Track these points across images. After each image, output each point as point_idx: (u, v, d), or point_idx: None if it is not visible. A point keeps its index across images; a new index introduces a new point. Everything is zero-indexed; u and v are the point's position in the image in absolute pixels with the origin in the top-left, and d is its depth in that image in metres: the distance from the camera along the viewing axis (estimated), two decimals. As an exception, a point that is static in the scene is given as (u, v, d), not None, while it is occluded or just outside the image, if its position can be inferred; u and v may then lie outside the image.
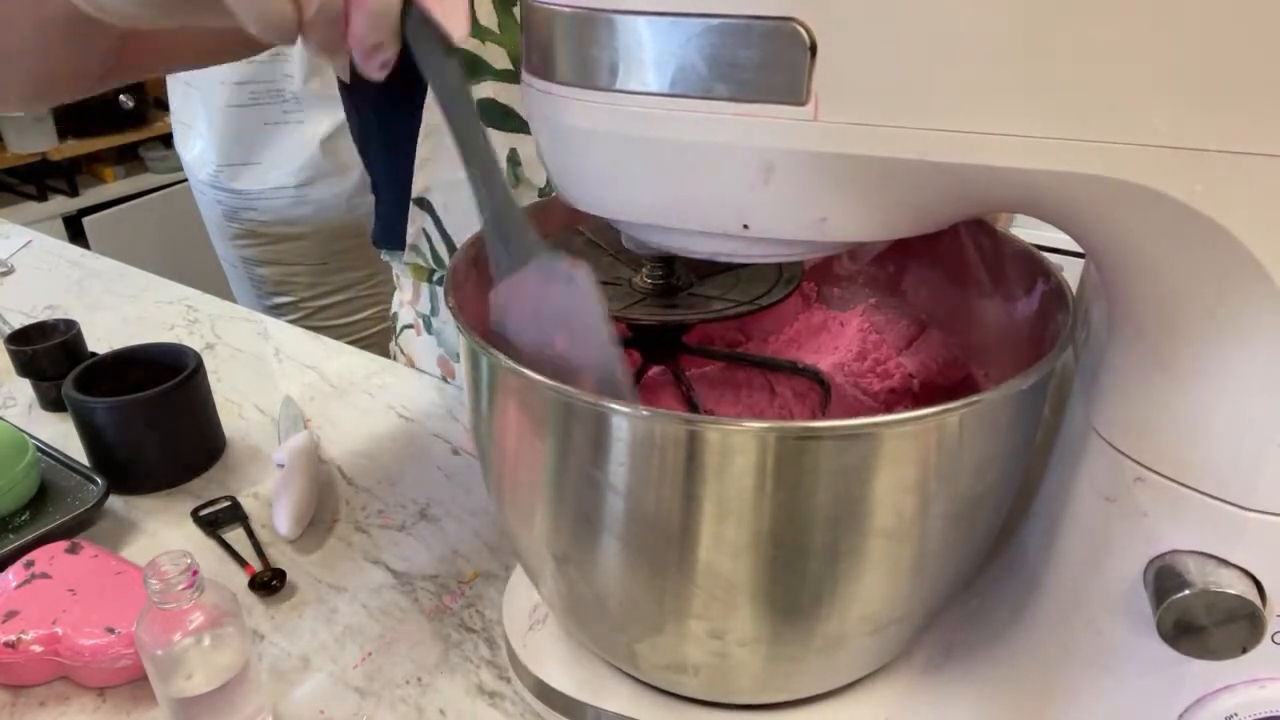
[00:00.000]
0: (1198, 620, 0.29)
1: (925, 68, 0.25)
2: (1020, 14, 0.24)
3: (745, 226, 0.30)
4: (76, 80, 0.50)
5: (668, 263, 0.42)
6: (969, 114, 0.25)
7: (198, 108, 1.17)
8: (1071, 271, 0.39)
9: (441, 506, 0.61)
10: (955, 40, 0.24)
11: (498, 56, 0.59)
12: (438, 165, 0.65)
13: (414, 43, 0.32)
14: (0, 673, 0.47)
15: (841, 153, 0.27)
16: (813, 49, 0.25)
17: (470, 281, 0.41)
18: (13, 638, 0.46)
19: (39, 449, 0.63)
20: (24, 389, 0.76)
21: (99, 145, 2.20)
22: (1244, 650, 0.29)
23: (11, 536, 0.56)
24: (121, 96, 2.17)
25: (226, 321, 0.91)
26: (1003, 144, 0.25)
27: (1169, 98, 0.24)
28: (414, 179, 0.66)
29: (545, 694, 0.44)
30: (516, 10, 0.58)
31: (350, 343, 0.90)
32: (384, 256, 0.79)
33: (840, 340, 0.51)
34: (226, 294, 1.15)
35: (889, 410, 0.47)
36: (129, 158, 2.35)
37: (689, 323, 0.43)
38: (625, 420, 0.31)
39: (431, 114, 0.62)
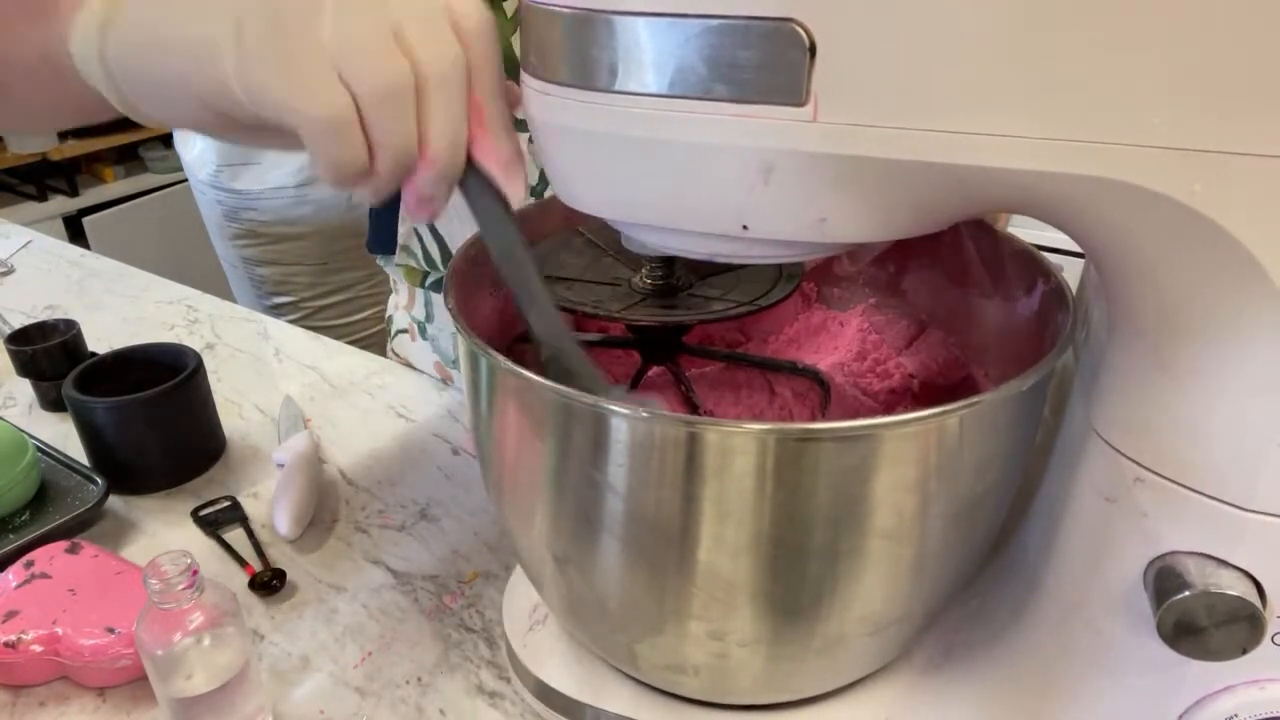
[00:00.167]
0: (1198, 621, 0.29)
1: (925, 68, 0.25)
2: (1020, 14, 0.24)
3: (745, 227, 0.30)
4: (82, 118, 0.49)
5: (668, 263, 0.42)
6: (969, 114, 0.25)
7: (198, 107, 1.17)
8: (1071, 271, 0.39)
9: (441, 506, 0.61)
10: (955, 41, 0.24)
11: None
12: None
13: (471, 198, 0.34)
14: (0, 673, 0.47)
15: (841, 153, 0.27)
16: (812, 49, 0.25)
17: (470, 282, 0.41)
18: (13, 638, 0.46)
19: (39, 449, 0.63)
20: (24, 389, 0.76)
21: (99, 145, 2.20)
22: (1244, 651, 0.29)
23: (11, 536, 0.56)
24: (122, 96, 2.17)
25: (226, 321, 0.91)
26: (1003, 144, 0.25)
27: (1169, 98, 0.24)
28: None
29: (545, 694, 0.44)
30: (507, 5, 0.58)
31: (350, 343, 0.90)
32: (379, 261, 0.79)
33: (840, 340, 0.51)
34: (226, 294, 1.15)
35: (889, 410, 0.47)
36: (129, 158, 2.35)
37: (689, 323, 0.43)
38: (625, 421, 0.31)
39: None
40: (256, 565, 0.55)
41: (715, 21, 0.26)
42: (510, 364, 0.33)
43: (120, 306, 0.95)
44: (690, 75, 0.27)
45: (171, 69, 0.33)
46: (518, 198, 0.34)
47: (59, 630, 0.46)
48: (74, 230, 2.06)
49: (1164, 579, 0.30)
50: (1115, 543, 0.32)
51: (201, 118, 0.34)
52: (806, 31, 0.25)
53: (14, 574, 0.50)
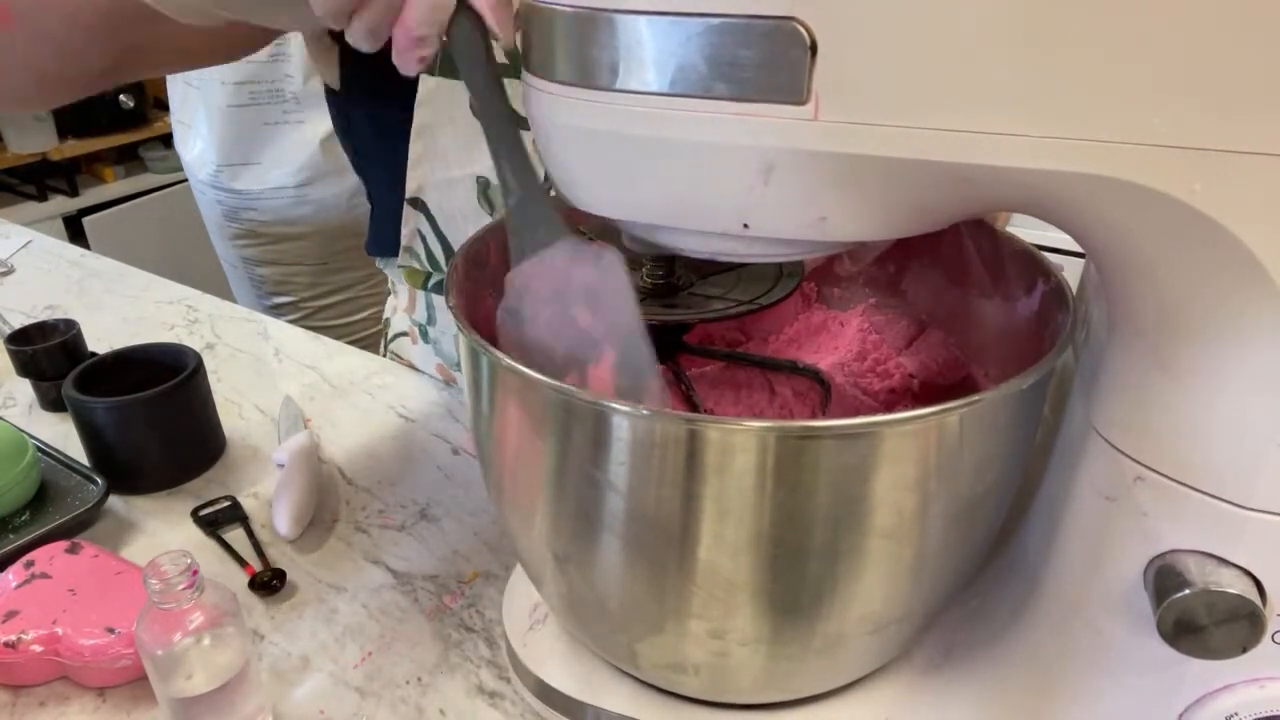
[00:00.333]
0: (1198, 620, 0.29)
1: (925, 67, 0.25)
2: (1020, 13, 0.24)
3: (745, 226, 0.30)
4: (79, 81, 0.50)
5: (668, 262, 0.42)
6: (969, 113, 0.25)
7: (198, 108, 1.17)
8: (1071, 271, 0.39)
9: (441, 506, 0.61)
10: (955, 40, 0.24)
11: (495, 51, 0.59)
12: (430, 165, 0.65)
13: (457, 43, 0.34)
14: (0, 673, 0.47)
15: (841, 152, 0.27)
16: (813, 48, 0.25)
17: (471, 282, 0.41)
18: (13, 638, 0.46)
19: (39, 449, 0.63)
20: (24, 389, 0.76)
21: (99, 145, 2.20)
22: (1244, 650, 0.29)
23: (11, 536, 0.56)
24: (121, 96, 2.17)
25: (226, 321, 0.91)
26: (1003, 143, 0.25)
27: (1169, 98, 0.24)
28: (407, 179, 0.66)
29: (545, 694, 0.44)
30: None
31: (350, 343, 0.90)
32: (379, 264, 0.79)
33: (840, 340, 0.51)
34: (226, 294, 1.15)
35: (889, 410, 0.47)
36: (129, 158, 2.35)
37: (689, 322, 0.43)
38: (625, 419, 0.31)
39: (422, 113, 0.62)
40: (256, 565, 0.55)
41: (716, 20, 0.26)
42: (511, 363, 0.33)
43: (120, 306, 0.95)
44: (691, 74, 0.27)
45: None
46: (506, 39, 0.34)
47: (59, 630, 0.46)
48: (74, 230, 2.06)
49: (1164, 578, 0.30)
50: (1115, 542, 0.32)
51: None
52: (807, 30, 0.25)
53: (14, 574, 0.50)
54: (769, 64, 0.26)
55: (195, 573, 0.39)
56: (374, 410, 0.73)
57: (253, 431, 0.71)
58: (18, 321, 0.88)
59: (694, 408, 0.44)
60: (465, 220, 0.66)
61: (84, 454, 0.64)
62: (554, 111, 0.31)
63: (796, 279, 0.43)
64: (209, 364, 0.69)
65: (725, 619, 0.34)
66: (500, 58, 0.54)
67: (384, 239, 0.72)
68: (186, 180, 1.26)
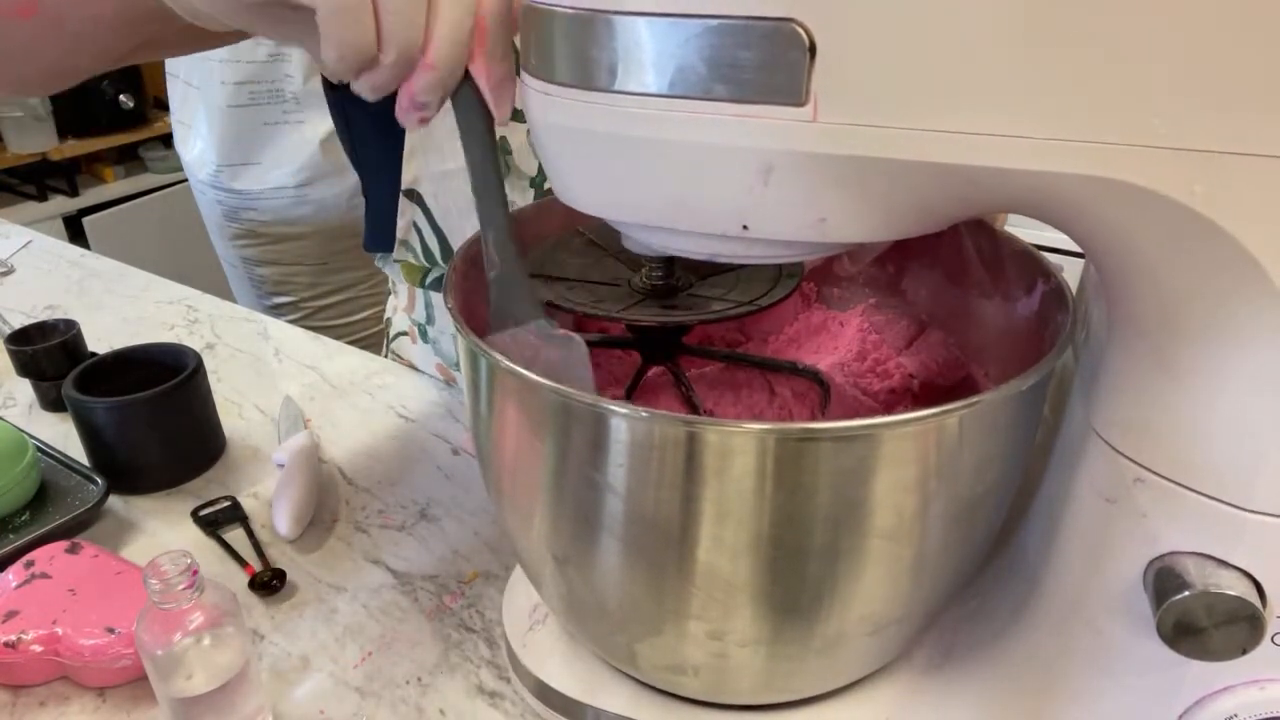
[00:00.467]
0: (1198, 621, 0.29)
1: (925, 68, 0.25)
2: (1020, 14, 0.24)
3: (745, 227, 0.30)
4: (90, 71, 0.50)
5: (667, 263, 0.42)
6: (969, 115, 0.25)
7: (198, 108, 1.17)
8: (1071, 271, 0.39)
9: (441, 506, 0.61)
10: (955, 41, 0.24)
11: None
12: (426, 156, 0.65)
13: (459, 109, 0.36)
14: (0, 673, 0.47)
15: (841, 153, 0.27)
16: (812, 50, 0.25)
17: (470, 283, 0.41)
18: (13, 638, 0.46)
19: (39, 449, 0.63)
20: (24, 389, 0.76)
21: (99, 145, 2.20)
22: (1244, 651, 0.29)
23: (11, 536, 0.56)
24: (121, 96, 2.17)
25: (226, 321, 0.91)
26: (1003, 144, 0.25)
27: (1169, 98, 0.24)
28: (403, 171, 0.66)
29: (545, 694, 0.44)
30: None
31: (350, 343, 0.90)
32: (378, 262, 0.79)
33: (840, 340, 0.51)
34: (226, 294, 1.15)
35: (889, 410, 0.47)
36: (129, 158, 2.35)
37: (689, 323, 0.43)
38: (625, 421, 0.31)
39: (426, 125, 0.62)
40: (256, 565, 0.56)
41: (715, 22, 0.26)
42: (510, 364, 0.33)
43: (120, 306, 0.95)
44: (690, 75, 0.27)
45: None
46: (502, 119, 0.36)
47: (59, 630, 0.46)
48: (74, 230, 2.06)
49: (1164, 579, 0.30)
50: (1115, 543, 0.32)
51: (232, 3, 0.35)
52: (806, 31, 0.25)
53: (14, 574, 0.50)
54: (768, 65, 0.26)
55: (195, 573, 0.39)
56: (374, 410, 0.73)
57: (253, 431, 0.71)
58: (18, 321, 0.89)
59: (693, 408, 0.44)
60: (461, 214, 0.66)
61: (84, 454, 0.64)
62: (552, 112, 0.31)
63: (796, 280, 0.43)
64: (209, 364, 0.69)
65: (725, 620, 0.34)
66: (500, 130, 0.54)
67: (380, 235, 0.72)
68: (186, 180, 1.26)
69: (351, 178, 1.17)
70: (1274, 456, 0.28)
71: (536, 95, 0.32)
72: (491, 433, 0.37)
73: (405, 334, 0.80)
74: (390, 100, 0.35)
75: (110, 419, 0.61)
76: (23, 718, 0.46)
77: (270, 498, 0.61)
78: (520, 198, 0.64)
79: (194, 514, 0.60)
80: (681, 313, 0.41)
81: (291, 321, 1.11)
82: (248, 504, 0.61)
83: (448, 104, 0.36)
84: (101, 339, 0.82)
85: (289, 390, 0.76)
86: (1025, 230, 0.43)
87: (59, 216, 2.16)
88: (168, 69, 1.22)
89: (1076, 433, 0.35)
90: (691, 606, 0.34)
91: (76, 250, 1.12)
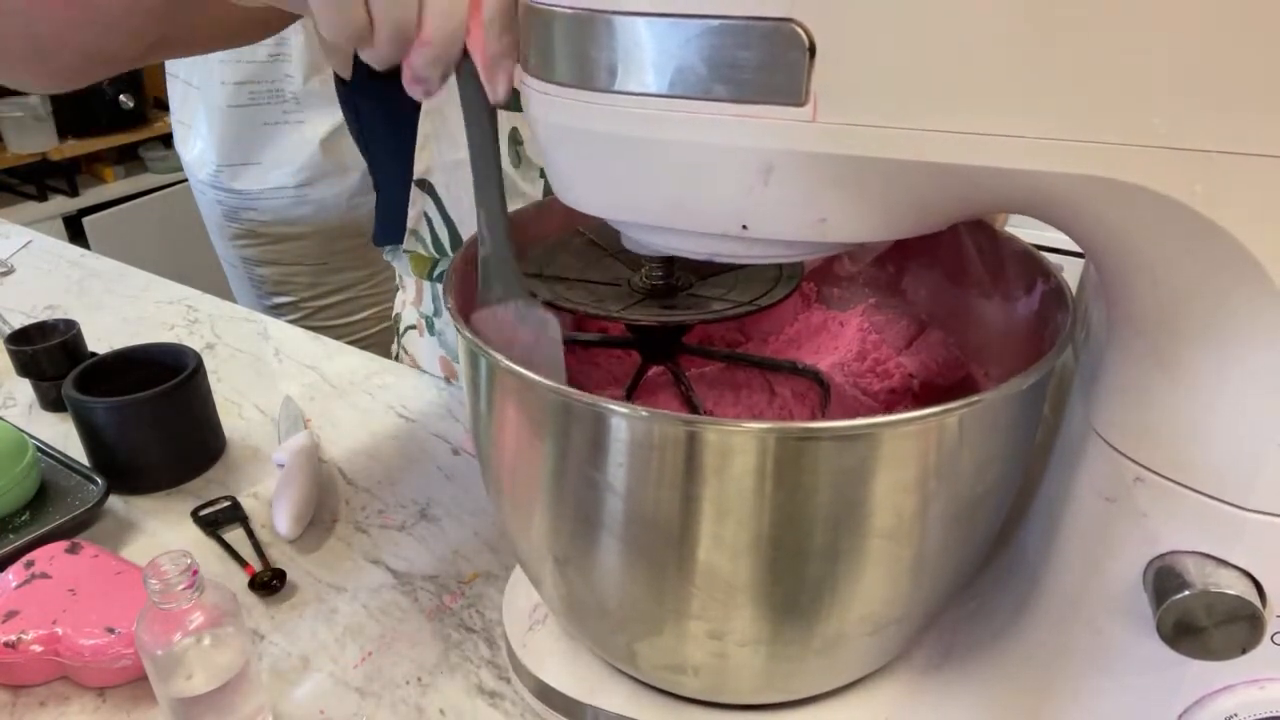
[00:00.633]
0: (1197, 621, 0.29)
1: (924, 68, 0.25)
2: (1020, 14, 0.24)
3: (744, 227, 0.30)
4: (119, 60, 0.50)
5: (667, 263, 0.42)
6: (968, 115, 0.25)
7: (198, 108, 1.17)
8: (1071, 271, 0.39)
9: (441, 506, 0.61)
10: (954, 41, 0.24)
11: None
12: (439, 145, 0.65)
13: (461, 85, 0.36)
14: (0, 673, 0.47)
15: (840, 153, 0.27)
16: (812, 50, 0.25)
17: (470, 282, 0.41)
18: (13, 638, 0.46)
19: (39, 449, 0.63)
20: (24, 389, 0.76)
21: (99, 145, 2.20)
22: (1244, 651, 0.29)
23: (11, 536, 0.56)
24: (121, 96, 2.17)
25: (226, 321, 0.91)
26: (1002, 144, 0.25)
27: (1169, 98, 0.24)
28: (415, 160, 0.66)
29: (545, 694, 0.44)
30: None
31: (350, 343, 0.90)
32: (386, 256, 0.79)
33: (840, 340, 0.51)
34: (226, 294, 1.15)
35: (889, 410, 0.47)
36: (129, 158, 2.35)
37: (689, 323, 0.43)
38: (625, 421, 0.31)
39: (433, 96, 0.62)
40: (256, 565, 0.56)
41: (715, 22, 0.26)
42: (510, 364, 0.33)
43: (120, 306, 0.95)
44: (690, 75, 0.27)
45: None
46: (496, 96, 0.35)
47: (59, 630, 0.46)
48: (74, 230, 2.06)
49: (1163, 579, 0.30)
50: (1115, 543, 0.32)
51: None
52: (806, 32, 0.25)
53: (14, 574, 0.50)
54: (768, 65, 0.26)
55: (195, 573, 0.39)
56: (374, 410, 0.73)
57: (253, 431, 0.71)
58: (18, 321, 0.89)
59: (693, 408, 0.44)
60: (473, 204, 0.66)
61: (84, 454, 0.64)
62: (552, 112, 0.31)
63: (796, 280, 0.43)
64: (209, 364, 0.69)
65: (724, 620, 0.34)
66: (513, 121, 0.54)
67: (390, 227, 0.72)
68: (186, 180, 1.26)
69: (351, 178, 1.17)
70: (1274, 456, 0.28)
71: (537, 95, 0.32)
72: (491, 432, 0.37)
73: (414, 327, 0.80)
74: (401, 94, 0.36)
75: (110, 419, 0.61)
76: (23, 718, 0.46)
77: (270, 498, 0.61)
78: (531, 188, 0.64)
79: (194, 514, 0.60)
80: (681, 313, 0.41)
81: (291, 321, 1.11)
82: (248, 504, 0.61)
83: (458, 97, 0.36)
84: (101, 339, 0.82)
85: (289, 390, 0.76)
86: (1025, 230, 0.43)
87: (59, 216, 2.16)
88: (168, 69, 1.22)
89: (1076, 432, 0.35)
90: (691, 606, 0.34)
91: (76, 250, 1.12)
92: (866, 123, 0.26)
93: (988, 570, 0.43)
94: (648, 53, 0.27)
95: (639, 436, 0.31)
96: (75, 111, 2.11)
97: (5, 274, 1.05)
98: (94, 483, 0.61)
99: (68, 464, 0.63)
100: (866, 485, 0.31)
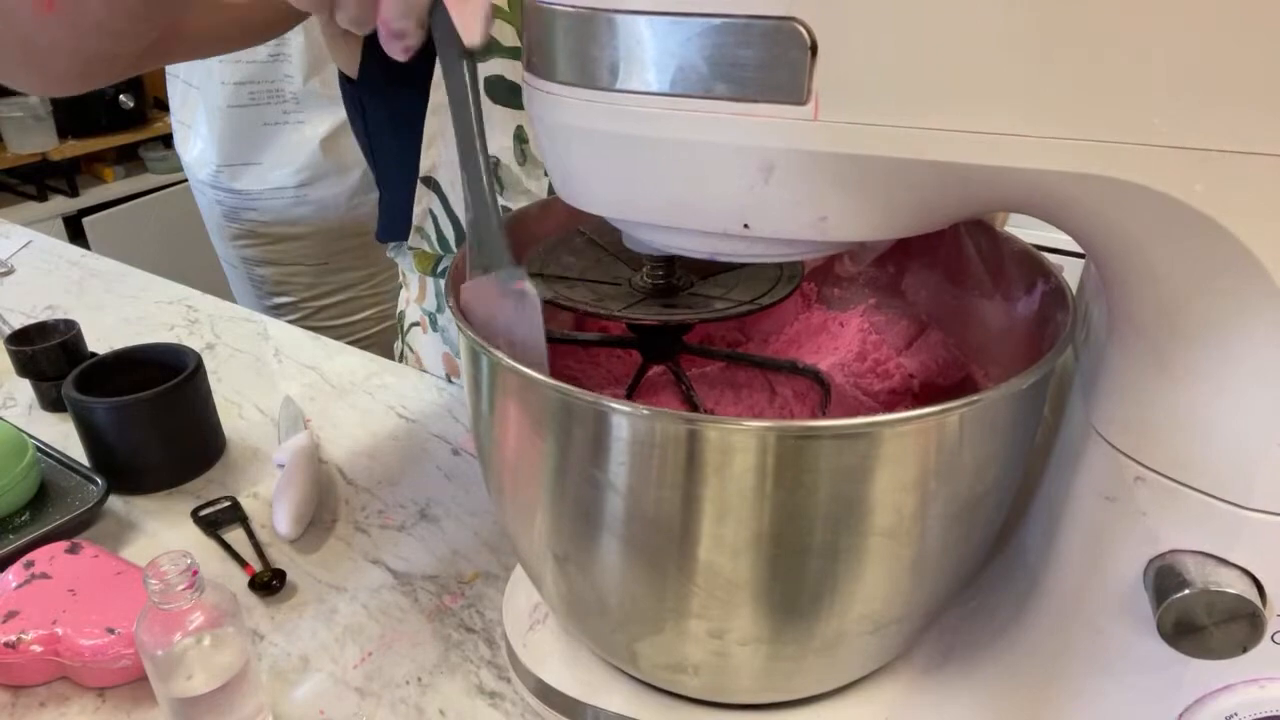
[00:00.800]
0: (1198, 620, 0.29)
1: (925, 67, 0.25)
2: (1020, 13, 0.24)
3: (746, 226, 0.30)
4: (119, 63, 0.50)
5: (668, 262, 0.42)
6: (970, 113, 0.25)
7: (198, 108, 1.17)
8: (1071, 271, 0.39)
9: (441, 506, 0.61)
10: (955, 40, 0.24)
11: (507, 34, 0.59)
12: (446, 142, 0.65)
13: (437, 35, 0.34)
14: (0, 673, 0.47)
15: (842, 152, 0.27)
16: (813, 48, 0.25)
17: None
18: (13, 638, 0.46)
19: (39, 449, 0.63)
20: (24, 389, 0.76)
21: (99, 145, 2.20)
22: (1244, 650, 0.29)
23: (11, 536, 0.56)
24: (121, 96, 2.17)
25: (226, 321, 0.91)
26: (1003, 143, 0.25)
27: (1169, 98, 0.24)
28: (421, 157, 0.66)
29: (545, 694, 0.44)
30: None
31: (350, 343, 0.90)
32: (390, 252, 0.79)
33: (840, 340, 0.51)
34: (226, 294, 1.15)
35: (889, 410, 0.47)
36: (129, 158, 2.35)
37: (689, 322, 0.43)
38: (626, 419, 0.31)
39: (438, 92, 0.62)
40: (256, 565, 0.55)
41: (717, 20, 0.26)
42: (511, 363, 0.33)
43: (120, 306, 0.95)
44: (691, 74, 0.27)
45: None
46: (472, 39, 0.34)
47: (59, 630, 0.46)
48: (74, 230, 2.06)
49: (1164, 578, 0.30)
50: (1115, 542, 0.32)
51: None
52: (808, 30, 0.25)
53: (14, 574, 0.50)
54: (769, 64, 0.26)
55: (195, 573, 0.39)
56: (374, 410, 0.73)
57: (253, 431, 0.71)
58: (18, 321, 0.89)
59: (694, 408, 0.44)
60: None
61: (84, 454, 0.64)
62: (554, 111, 0.31)
63: (796, 280, 0.43)
64: (209, 364, 0.69)
65: (725, 619, 0.34)
66: (513, 40, 0.53)
67: (394, 224, 0.72)
68: (186, 180, 1.26)
69: (351, 178, 1.17)
70: (1274, 455, 0.28)
71: (538, 94, 0.32)
72: (492, 431, 0.37)
73: (417, 324, 0.80)
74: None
75: (110, 419, 0.61)
76: (23, 718, 0.46)
77: (270, 498, 0.61)
78: (536, 186, 0.64)
79: (194, 514, 0.60)
80: (682, 312, 0.41)
81: (291, 321, 1.11)
82: (248, 504, 0.61)
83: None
84: (101, 339, 0.82)
85: (289, 390, 0.76)
86: (1025, 230, 0.43)
87: (59, 216, 2.16)
88: (167, 69, 1.22)
89: (1076, 432, 0.35)
90: (692, 605, 0.34)
91: (76, 250, 1.12)
92: (868, 121, 0.26)
93: (988, 570, 0.43)
94: (649, 51, 0.27)
95: (640, 435, 0.31)
96: (75, 111, 2.11)
97: (5, 274, 1.05)
98: (94, 483, 0.61)
99: (68, 464, 0.63)
100: (867, 484, 0.31)
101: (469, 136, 0.35)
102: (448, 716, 0.46)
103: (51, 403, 0.74)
